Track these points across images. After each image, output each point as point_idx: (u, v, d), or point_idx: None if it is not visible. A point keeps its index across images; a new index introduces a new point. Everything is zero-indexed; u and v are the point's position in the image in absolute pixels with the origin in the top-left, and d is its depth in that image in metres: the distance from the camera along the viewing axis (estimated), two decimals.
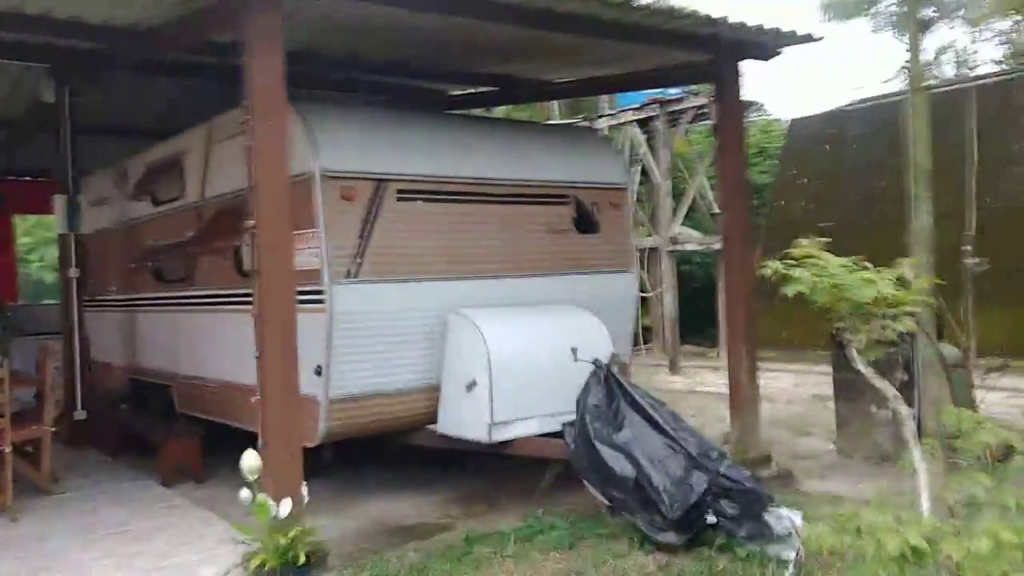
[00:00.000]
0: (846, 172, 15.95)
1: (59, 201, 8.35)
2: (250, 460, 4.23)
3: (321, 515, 5.16)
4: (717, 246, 15.53)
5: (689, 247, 15.22)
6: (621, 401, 5.07)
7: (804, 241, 3.14)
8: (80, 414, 8.47)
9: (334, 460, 6.23)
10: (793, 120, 17.77)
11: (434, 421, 6.00)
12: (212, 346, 6.81)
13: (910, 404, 7.00)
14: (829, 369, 7.75)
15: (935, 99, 8.80)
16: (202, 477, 6.98)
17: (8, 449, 5.85)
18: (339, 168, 5.63)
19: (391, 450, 6.66)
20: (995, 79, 14.69)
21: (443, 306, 5.96)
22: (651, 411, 4.99)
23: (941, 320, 6.90)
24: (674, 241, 14.96)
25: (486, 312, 5.89)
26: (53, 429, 6.57)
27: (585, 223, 6.80)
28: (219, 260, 6.68)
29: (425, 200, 6.02)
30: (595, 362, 5.25)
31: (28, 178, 12.64)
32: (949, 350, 6.93)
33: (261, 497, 4.22)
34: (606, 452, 4.94)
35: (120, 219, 8.70)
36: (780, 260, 3.11)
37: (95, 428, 8.50)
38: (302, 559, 4.14)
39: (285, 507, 4.20)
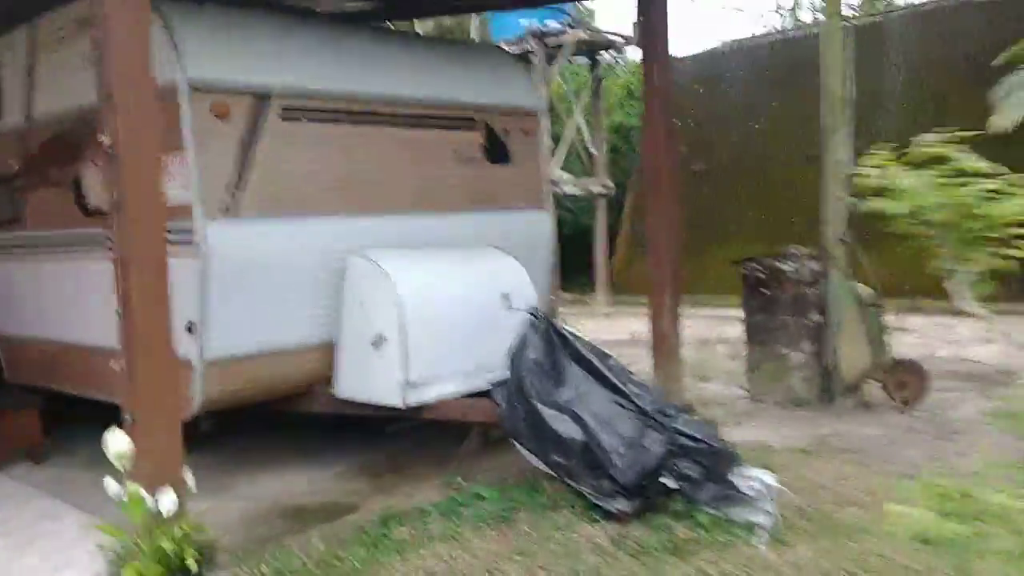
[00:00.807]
0: (720, 115, 15.81)
1: None
2: (117, 442, 3.27)
3: (200, 497, 4.20)
4: (595, 189, 15.14)
5: (568, 190, 14.68)
6: (562, 355, 4.40)
7: (930, 137, 2.51)
8: None
9: (213, 430, 5.25)
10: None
11: (330, 384, 5.14)
12: (52, 300, 5.62)
13: (823, 345, 6.75)
14: (706, 311, 7.40)
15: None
16: (41, 456, 5.84)
17: None
18: (209, 78, 4.60)
19: (276, 416, 5.75)
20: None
21: (339, 247, 5.06)
22: (598, 364, 4.34)
23: (854, 259, 6.63)
24: (553, 184, 14.36)
25: (394, 254, 5.05)
26: None
27: (496, 152, 6.02)
28: (55, 195, 5.48)
29: (315, 120, 5.06)
30: (533, 312, 4.53)
31: None
32: (862, 289, 6.68)
33: (133, 488, 3.28)
34: (547, 412, 4.26)
35: None
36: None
37: None
38: (193, 566, 3.25)
39: (166, 501, 3.29)
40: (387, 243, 5.25)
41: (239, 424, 5.65)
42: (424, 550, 4.04)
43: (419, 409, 4.87)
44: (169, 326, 3.73)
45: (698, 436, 4.10)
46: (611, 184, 15.30)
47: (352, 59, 5.35)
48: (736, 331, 7.86)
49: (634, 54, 18.75)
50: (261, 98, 4.80)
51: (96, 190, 5.15)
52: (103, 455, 6.10)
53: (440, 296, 5.02)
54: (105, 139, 3.59)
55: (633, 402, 4.23)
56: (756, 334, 7.19)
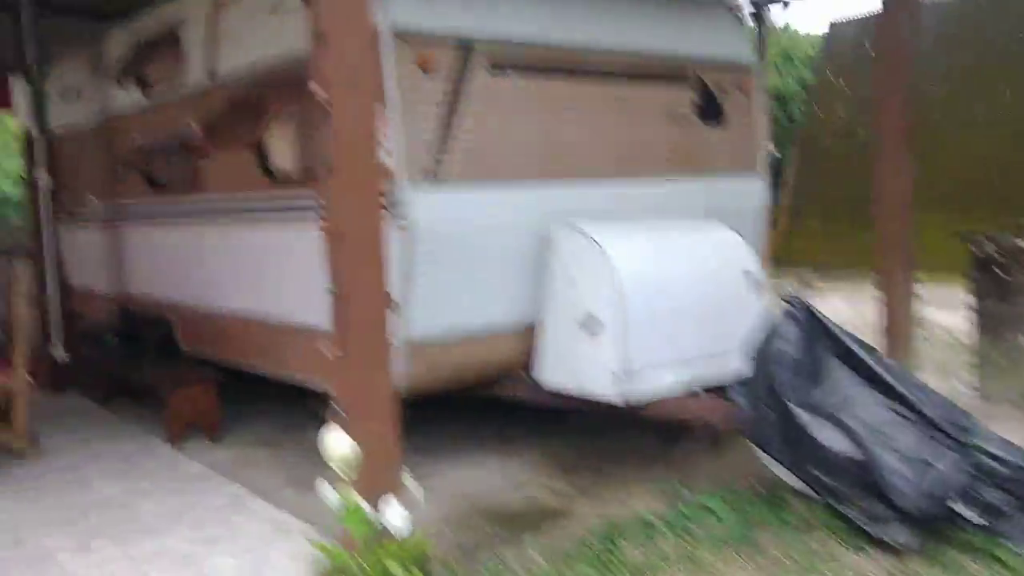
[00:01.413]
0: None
1: (20, 89, 6.67)
2: (339, 444, 2.79)
3: None
4: None
5: None
6: (823, 349, 3.69)
7: None
8: (59, 351, 6.99)
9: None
10: (832, 23, 16.31)
11: (528, 369, 4.60)
12: (232, 270, 5.31)
13: None
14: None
15: None
16: (217, 434, 5.58)
17: None
18: (415, 24, 4.08)
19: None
20: None
21: (545, 218, 4.50)
22: (870, 362, 3.61)
23: None
24: None
25: (607, 227, 4.44)
26: (30, 377, 5.10)
27: (709, 110, 5.30)
28: (238, 159, 5.12)
29: (522, 74, 4.49)
30: (791, 298, 3.82)
31: None
32: None
33: (354, 500, 2.81)
34: (806, 418, 3.57)
35: (98, 113, 7.05)
36: None
37: (77, 368, 7.04)
38: None
39: (396, 517, 2.80)
40: (592, 212, 4.65)
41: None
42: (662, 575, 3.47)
43: (635, 404, 4.26)
44: (385, 307, 3.23)
45: (1008, 458, 3.33)
46: (776, 153, 14.20)
47: (562, 4, 4.72)
48: (938, 313, 6.94)
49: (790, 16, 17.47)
50: (466, 48, 4.25)
51: (283, 152, 4.76)
52: (278, 431, 5.91)
53: (661, 273, 4.39)
54: (317, 88, 3.09)
55: (916, 410, 3.49)
56: (988, 322, 6.24)
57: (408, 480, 3.03)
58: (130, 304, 6.87)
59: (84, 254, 7.45)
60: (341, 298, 3.17)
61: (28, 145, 6.82)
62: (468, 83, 4.25)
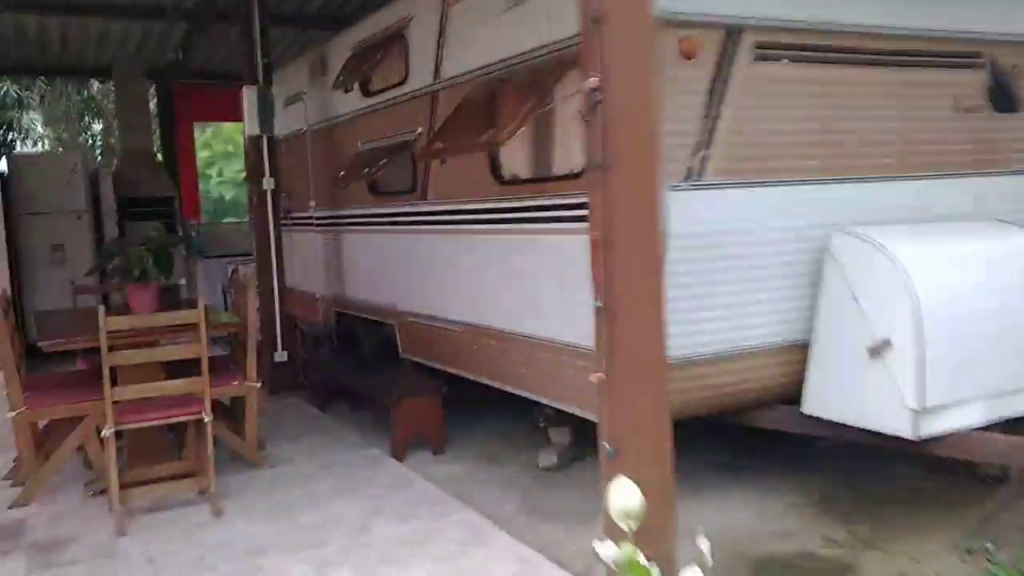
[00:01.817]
0: None
1: (249, 95, 6.79)
2: (625, 496, 2.38)
3: None
4: None
5: None
6: None
7: None
8: (281, 355, 7.08)
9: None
10: None
11: (790, 397, 4.04)
12: (464, 278, 5.07)
13: None
14: None
15: None
16: (442, 447, 5.36)
17: (209, 418, 4.34)
18: (681, 7, 3.62)
19: None
20: None
21: (818, 223, 3.93)
22: None
23: None
24: None
25: (895, 232, 3.81)
26: (259, 384, 5.07)
27: (1003, 97, 4.53)
28: (469, 162, 4.87)
29: (792, 60, 3.94)
30: None
31: (204, 80, 11.34)
32: None
33: (638, 562, 2.39)
34: None
35: (319, 119, 7.08)
36: None
37: (294, 371, 7.11)
38: None
39: None
40: (878, 217, 4.04)
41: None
42: None
43: (932, 442, 3.60)
44: (664, 327, 2.80)
45: None
46: None
47: None
48: None
49: None
50: (732, 32, 3.76)
51: (520, 154, 4.45)
52: (502, 446, 5.64)
53: (962, 287, 3.71)
54: (589, 80, 2.70)
55: None
56: None
57: (703, 542, 2.58)
58: (347, 308, 6.84)
59: (302, 257, 7.54)
60: (605, 316, 2.77)
61: (253, 148, 6.93)
62: (734, 71, 3.75)
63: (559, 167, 4.19)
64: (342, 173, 6.36)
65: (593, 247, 2.80)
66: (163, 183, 10.25)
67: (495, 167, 4.69)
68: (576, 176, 3.81)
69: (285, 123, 7.36)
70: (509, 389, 4.69)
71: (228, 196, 15.41)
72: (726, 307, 3.82)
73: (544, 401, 4.39)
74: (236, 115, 10.05)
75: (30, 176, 9.31)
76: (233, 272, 6.38)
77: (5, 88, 14.61)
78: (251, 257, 7.55)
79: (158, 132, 11.29)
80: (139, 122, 10.39)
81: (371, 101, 6.11)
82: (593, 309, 2.80)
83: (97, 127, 16.69)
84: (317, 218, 7.27)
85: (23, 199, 9.22)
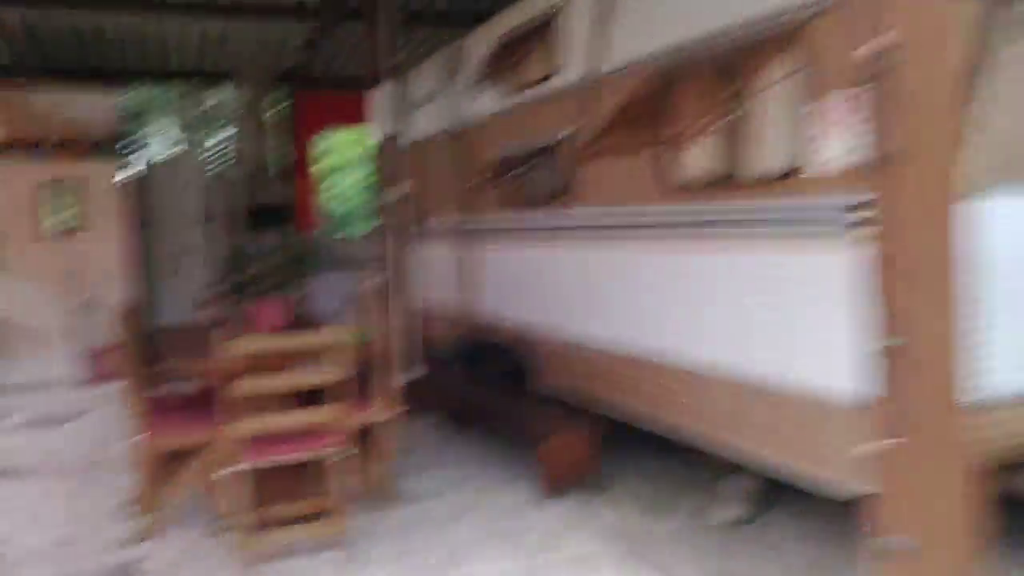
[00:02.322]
0: None
1: (382, 95, 6.32)
2: None
3: None
4: None
5: None
6: None
7: None
8: (412, 373, 6.56)
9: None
10: None
11: None
12: (638, 298, 4.41)
13: None
14: None
15: None
16: (598, 490, 4.71)
17: (351, 452, 3.80)
18: None
19: None
20: None
21: None
22: None
23: None
24: None
25: None
26: (398, 411, 4.52)
27: None
28: (630, 164, 4.22)
29: None
30: None
31: (325, 87, 11.05)
32: None
33: None
34: None
35: (454, 121, 6.56)
36: None
37: (424, 392, 6.56)
38: None
39: None
40: None
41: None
42: None
43: None
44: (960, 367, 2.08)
45: None
46: None
47: None
48: None
49: None
50: None
51: (695, 156, 3.77)
52: (666, 494, 4.92)
53: None
54: (883, 37, 2.02)
55: None
56: None
57: None
58: (482, 328, 6.27)
59: (432, 271, 7.02)
60: (902, 353, 2.07)
61: (386, 156, 6.46)
62: (996, 45, 2.99)
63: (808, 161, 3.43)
64: (480, 178, 5.80)
65: (879, 266, 2.11)
66: (281, 192, 9.98)
67: (687, 166, 4.01)
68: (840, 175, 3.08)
69: (414, 127, 6.87)
70: (698, 441, 3.98)
71: (344, 208, 15.18)
72: None
73: (752, 459, 3.66)
74: (357, 121, 9.68)
75: (156, 184, 9.16)
76: (361, 284, 5.90)
77: (138, 94, 14.68)
78: (369, 270, 7.09)
79: (278, 139, 11.02)
80: (258, 129, 10.16)
81: (516, 99, 5.53)
82: (869, 347, 2.10)
83: (214, 135, 16.77)
84: (446, 229, 6.74)
85: (150, 206, 9.07)
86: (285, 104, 11.07)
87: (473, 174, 6.05)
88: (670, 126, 3.91)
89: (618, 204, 4.49)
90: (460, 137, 6.45)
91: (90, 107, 8.27)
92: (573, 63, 4.85)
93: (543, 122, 5.20)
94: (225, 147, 15.28)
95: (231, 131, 14.48)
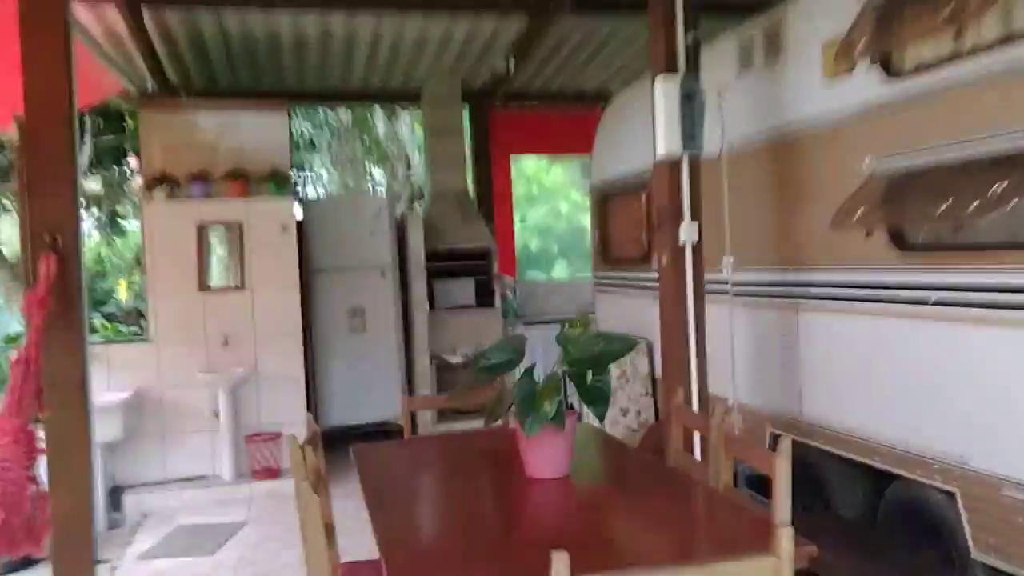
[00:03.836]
0: None
1: (665, 91, 4.24)
2: None
3: None
4: None
5: None
6: None
7: None
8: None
9: None
10: None
11: None
12: None
13: None
14: None
15: None
16: None
17: None
18: None
19: None
20: None
21: None
22: None
23: None
24: None
25: None
26: None
27: None
28: None
29: None
30: None
31: (526, 105, 9.26)
32: None
33: None
34: None
35: (753, 129, 4.53)
36: None
37: None
38: None
39: None
40: None
41: None
42: None
43: None
44: None
45: None
46: None
47: None
48: None
49: None
50: None
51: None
52: None
53: None
54: None
55: None
56: None
57: None
58: (802, 435, 4.14)
59: (740, 348, 4.92)
60: None
61: (664, 182, 4.41)
62: None
63: None
64: (841, 208, 3.69)
65: None
66: (478, 232, 8.12)
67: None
68: None
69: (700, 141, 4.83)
70: None
71: (533, 246, 13.30)
72: None
73: None
74: (562, 147, 8.16)
75: (326, 224, 7.49)
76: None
77: (299, 128, 13.33)
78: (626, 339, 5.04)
79: (471, 168, 9.22)
80: (452, 157, 8.33)
81: (929, 80, 3.39)
82: None
83: (379, 171, 15.35)
84: (739, 283, 4.66)
85: (316, 252, 7.41)
86: (482, 126, 9.33)
87: (816, 200, 3.96)
88: None
89: None
90: (764, 152, 4.40)
91: (263, 132, 6.71)
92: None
93: (1000, 114, 3.05)
94: (402, 179, 13.79)
95: (416, 161, 12.93)
